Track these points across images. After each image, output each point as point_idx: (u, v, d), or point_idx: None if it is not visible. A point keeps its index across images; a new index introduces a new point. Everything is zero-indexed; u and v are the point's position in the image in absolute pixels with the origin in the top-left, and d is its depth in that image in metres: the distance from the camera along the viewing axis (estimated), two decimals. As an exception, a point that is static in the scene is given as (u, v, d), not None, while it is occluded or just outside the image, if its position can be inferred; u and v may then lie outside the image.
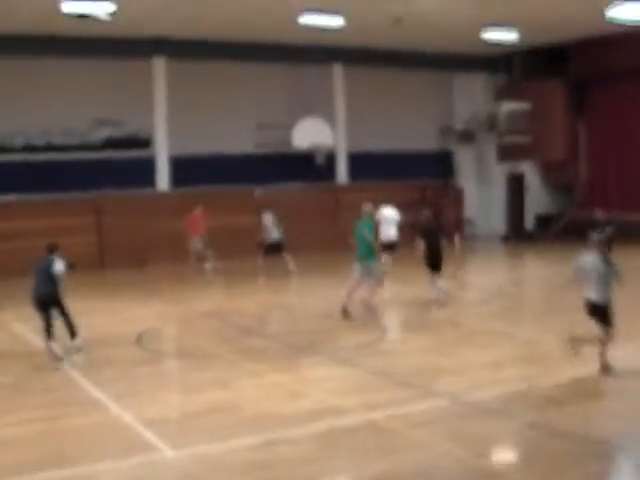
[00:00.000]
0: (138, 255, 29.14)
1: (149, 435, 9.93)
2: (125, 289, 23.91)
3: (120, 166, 30.15)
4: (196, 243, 27.66)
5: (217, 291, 23.91)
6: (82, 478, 8.76)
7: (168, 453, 9.35)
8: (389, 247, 23.01)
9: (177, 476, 8.81)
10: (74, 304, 20.78)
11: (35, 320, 14.98)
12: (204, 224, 27.72)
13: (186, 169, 30.93)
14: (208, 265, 27.24)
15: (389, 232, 23.39)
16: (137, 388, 12.16)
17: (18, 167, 28.66)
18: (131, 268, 28.21)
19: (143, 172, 30.67)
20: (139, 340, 15.74)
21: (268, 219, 26.87)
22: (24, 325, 17.49)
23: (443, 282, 19.19)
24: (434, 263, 19.07)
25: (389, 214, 23.88)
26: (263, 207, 27.86)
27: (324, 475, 8.85)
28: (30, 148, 28.98)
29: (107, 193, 29.60)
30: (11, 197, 28.24)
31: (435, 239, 19.31)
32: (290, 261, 25.79)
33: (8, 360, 14.62)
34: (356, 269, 17.96)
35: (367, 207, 19.13)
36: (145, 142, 30.82)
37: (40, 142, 29.17)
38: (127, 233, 29.24)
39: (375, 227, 20.05)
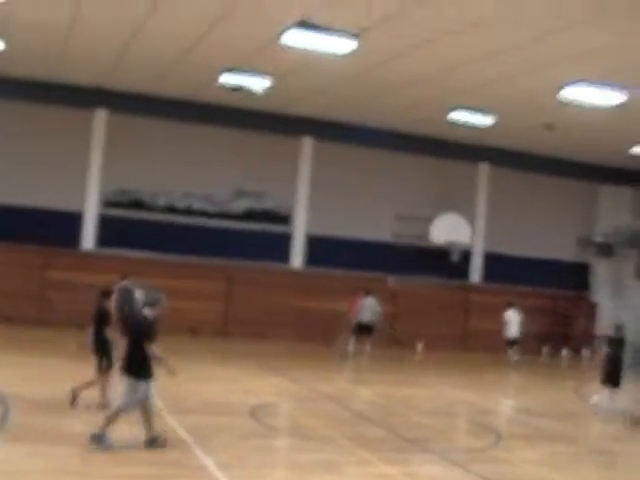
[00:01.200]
0: (262, 328, 29.43)
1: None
2: (245, 360, 24.04)
3: (256, 238, 30.62)
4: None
5: (339, 374, 23.80)
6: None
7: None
8: (513, 343, 28.56)
9: None
10: (195, 369, 21.16)
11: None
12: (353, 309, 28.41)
13: (321, 249, 31.22)
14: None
15: (512, 330, 28.68)
16: (245, 460, 12.08)
17: (157, 226, 29.44)
18: (253, 340, 28.42)
19: (278, 247, 31.08)
20: (253, 412, 15.72)
21: (368, 302, 27.79)
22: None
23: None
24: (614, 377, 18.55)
25: (512, 316, 28.79)
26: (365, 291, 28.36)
27: None
28: (171, 209, 29.75)
29: (240, 263, 30.06)
30: (147, 254, 28.95)
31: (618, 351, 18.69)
32: (371, 344, 27.01)
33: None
34: None
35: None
36: (284, 218, 31.26)
37: (181, 205, 29.93)
38: (254, 305, 29.59)
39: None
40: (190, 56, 23.07)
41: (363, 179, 32.28)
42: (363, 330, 27.63)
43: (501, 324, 29.02)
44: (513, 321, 28.93)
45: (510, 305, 29.21)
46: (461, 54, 20.58)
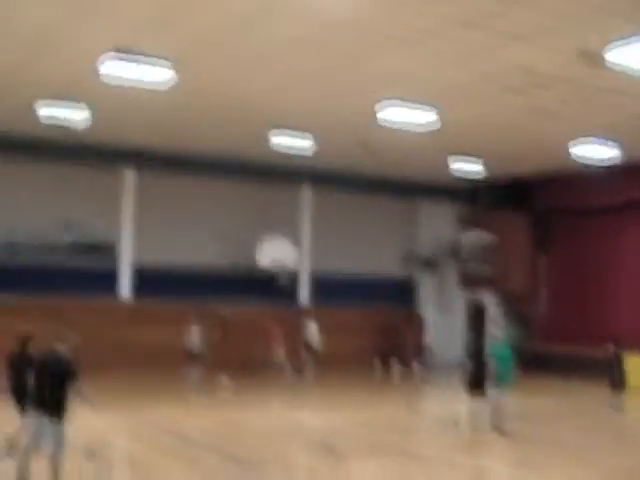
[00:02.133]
0: (94, 363, 28.83)
1: None
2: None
3: (83, 272, 30.15)
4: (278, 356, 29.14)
5: (180, 403, 23.57)
6: None
7: None
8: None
9: None
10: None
11: None
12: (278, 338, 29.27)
13: (148, 279, 30.95)
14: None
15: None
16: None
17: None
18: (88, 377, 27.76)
19: (106, 280, 30.65)
20: (93, 451, 15.43)
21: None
22: None
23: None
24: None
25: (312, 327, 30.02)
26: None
27: None
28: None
29: (68, 299, 29.45)
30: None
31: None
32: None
33: None
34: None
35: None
36: (110, 249, 30.93)
37: (4, 241, 29.30)
38: (85, 341, 28.94)
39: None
40: (6, 84, 22.41)
41: (188, 206, 32.22)
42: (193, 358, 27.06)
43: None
44: (311, 331, 30.10)
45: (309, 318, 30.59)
46: (276, 78, 20.80)
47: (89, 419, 19.20)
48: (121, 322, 29.94)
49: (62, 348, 12.37)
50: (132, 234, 31.26)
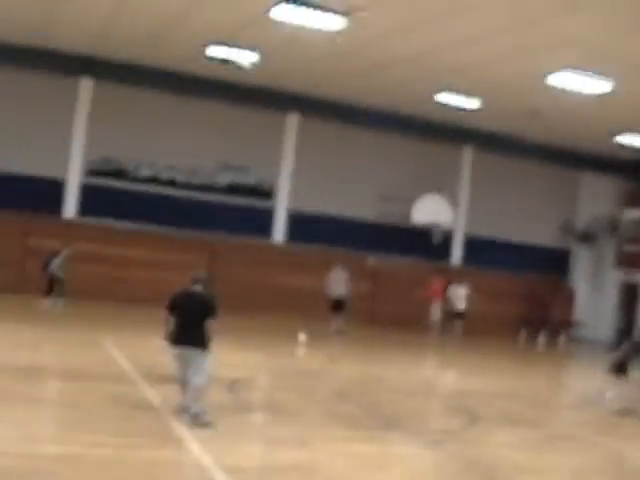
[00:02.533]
0: (243, 303, 29.41)
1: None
2: (224, 334, 23.97)
3: (239, 212, 30.64)
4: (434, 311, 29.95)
5: (317, 351, 23.83)
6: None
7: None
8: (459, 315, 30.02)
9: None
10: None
11: (130, 346, 15.07)
12: (438, 294, 30.06)
13: (304, 225, 31.24)
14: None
15: (458, 304, 29.95)
16: (220, 433, 12.13)
17: (140, 197, 29.42)
18: (233, 314, 28.40)
19: (261, 222, 31.09)
20: (231, 387, 15.77)
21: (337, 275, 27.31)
22: (119, 350, 17.84)
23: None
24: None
25: (456, 291, 30.23)
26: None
27: None
28: (155, 180, 29.77)
29: (222, 237, 30.07)
30: (129, 225, 28.95)
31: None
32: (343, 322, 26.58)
33: (95, 382, 14.83)
34: None
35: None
36: (267, 193, 31.28)
37: (165, 176, 29.92)
38: (235, 279, 29.57)
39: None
40: (178, 27, 22.95)
41: (347, 157, 32.31)
42: (336, 305, 27.30)
43: (446, 299, 30.49)
44: (458, 295, 30.14)
45: (455, 281, 30.74)
46: (450, 36, 20.57)
47: (229, 355, 19.72)
48: (272, 264, 30.37)
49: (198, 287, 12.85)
50: (290, 179, 31.57)
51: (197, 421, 12.15)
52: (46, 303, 24.92)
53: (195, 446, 11.14)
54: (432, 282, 30.40)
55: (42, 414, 12.15)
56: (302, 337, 25.10)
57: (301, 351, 23.35)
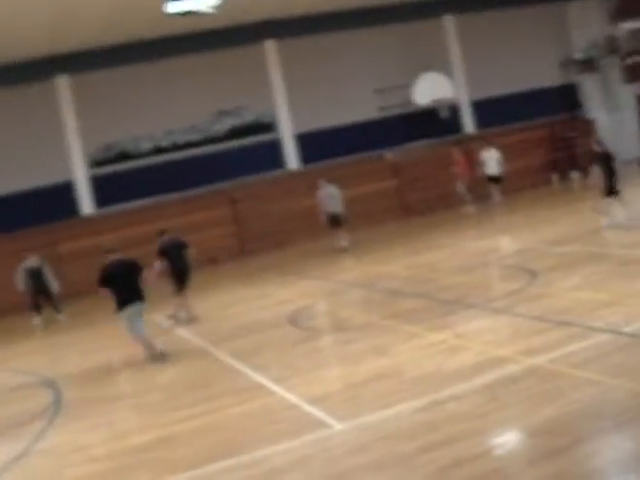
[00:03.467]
0: (276, 238, 29.47)
1: (315, 412, 9.96)
2: (269, 273, 24.15)
3: (247, 154, 30.53)
4: (459, 187, 29.59)
5: (357, 261, 23.87)
6: (254, 464, 8.83)
7: (336, 427, 9.35)
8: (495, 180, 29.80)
9: (348, 449, 8.76)
10: (221, 295, 21.38)
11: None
12: (464, 168, 29.63)
13: (313, 145, 31.09)
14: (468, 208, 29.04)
15: (491, 168, 29.75)
16: (297, 367, 12.24)
17: (149, 170, 29.38)
18: (272, 252, 28.53)
19: (271, 156, 30.97)
20: (292, 320, 15.88)
21: (329, 191, 26.00)
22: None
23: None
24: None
25: (489, 155, 29.94)
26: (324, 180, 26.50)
27: (494, 428, 8.70)
28: (157, 150, 29.70)
29: (239, 182, 30.02)
30: (147, 201, 28.96)
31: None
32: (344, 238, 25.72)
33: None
34: None
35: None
36: (268, 126, 31.11)
37: (166, 143, 29.83)
38: (263, 218, 29.59)
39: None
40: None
41: (334, 65, 31.86)
42: (334, 221, 25.92)
43: (478, 164, 30.16)
44: (490, 159, 29.83)
45: (483, 147, 30.41)
46: None
47: (281, 290, 19.84)
48: (294, 192, 30.27)
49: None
50: (287, 104, 31.29)
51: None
52: (38, 319, 23.10)
53: (277, 387, 11.27)
54: (456, 157, 30.17)
55: (120, 410, 12.31)
56: (343, 242, 25.27)
57: (345, 266, 23.30)
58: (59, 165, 28.65)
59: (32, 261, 23.11)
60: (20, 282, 22.96)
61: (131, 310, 14.33)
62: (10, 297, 25.02)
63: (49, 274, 23.23)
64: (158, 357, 14.18)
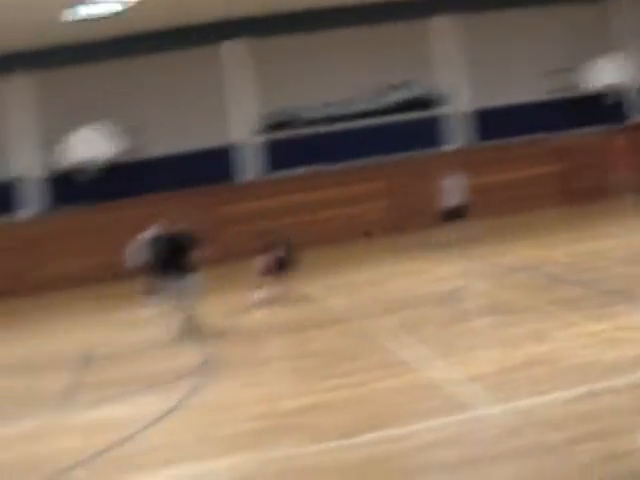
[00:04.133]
0: (431, 217, 29.21)
1: (464, 392, 9.84)
2: (423, 251, 23.98)
3: (412, 128, 30.38)
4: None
5: (517, 243, 23.40)
6: (402, 438, 8.79)
7: (487, 410, 9.23)
8: None
9: (497, 432, 8.62)
10: (374, 269, 21.39)
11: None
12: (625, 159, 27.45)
13: (477, 124, 30.68)
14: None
15: None
16: (450, 347, 12.13)
17: (313, 140, 29.59)
18: (425, 230, 28.27)
19: (433, 133, 30.73)
20: (448, 299, 15.75)
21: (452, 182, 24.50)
22: (328, 290, 18.14)
23: None
24: None
25: None
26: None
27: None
28: (323, 120, 29.90)
29: (397, 157, 29.90)
30: (309, 170, 29.19)
31: None
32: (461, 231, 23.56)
33: (315, 330, 15.13)
34: None
35: None
36: (434, 102, 30.90)
37: (332, 113, 30.00)
38: (419, 195, 29.34)
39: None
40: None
41: (503, 44, 31.21)
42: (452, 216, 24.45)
43: None
44: None
45: None
46: None
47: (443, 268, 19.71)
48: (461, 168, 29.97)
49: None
50: (453, 82, 30.94)
51: None
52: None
53: (428, 365, 11.21)
54: (618, 146, 28.95)
55: (271, 373, 12.47)
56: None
57: (499, 250, 22.84)
58: (226, 129, 29.18)
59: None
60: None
61: None
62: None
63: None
64: None
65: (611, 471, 7.28)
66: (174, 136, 28.74)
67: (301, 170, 29.27)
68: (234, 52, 29.36)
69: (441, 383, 10.42)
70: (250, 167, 29.61)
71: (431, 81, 30.85)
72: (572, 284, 15.78)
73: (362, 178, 29.35)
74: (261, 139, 29.68)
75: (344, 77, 29.94)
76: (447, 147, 30.83)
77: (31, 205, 28.55)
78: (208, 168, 28.77)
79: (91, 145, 27.36)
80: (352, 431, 9.12)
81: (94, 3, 23.50)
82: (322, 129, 29.96)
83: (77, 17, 24.23)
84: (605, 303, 13.64)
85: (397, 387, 10.54)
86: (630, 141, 28.99)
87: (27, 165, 28.36)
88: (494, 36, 30.98)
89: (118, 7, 24.12)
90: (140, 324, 17.60)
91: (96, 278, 26.91)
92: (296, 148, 29.67)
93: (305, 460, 8.60)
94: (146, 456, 9.38)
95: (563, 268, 17.95)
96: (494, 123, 30.68)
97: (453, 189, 24.79)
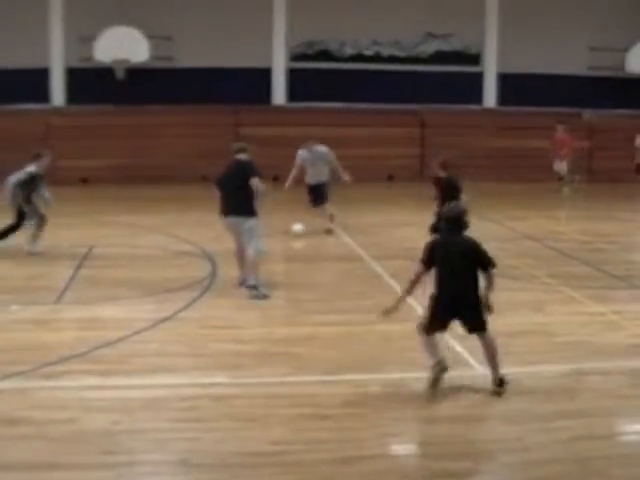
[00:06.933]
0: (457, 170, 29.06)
1: (461, 351, 9.87)
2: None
3: (447, 80, 30.17)
4: (557, 165, 27.37)
5: (535, 212, 23.30)
6: (390, 384, 8.96)
7: (478, 370, 9.29)
8: None
9: (484, 394, 8.72)
10: (393, 214, 21.39)
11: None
12: (566, 145, 27.12)
13: (514, 87, 30.42)
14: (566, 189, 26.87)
15: None
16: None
17: (346, 76, 29.47)
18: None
19: (470, 88, 30.51)
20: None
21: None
22: (347, 231, 18.15)
23: None
24: None
25: None
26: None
27: (633, 413, 8.49)
28: (360, 57, 29.77)
29: (431, 107, 29.75)
30: (337, 105, 29.09)
31: None
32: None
33: (326, 262, 15.20)
34: None
35: None
36: (474, 57, 30.63)
37: (369, 52, 29.85)
38: (448, 147, 29.19)
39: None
40: None
41: (553, 12, 30.80)
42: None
43: None
44: None
45: None
46: None
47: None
48: (484, 129, 29.80)
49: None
50: (497, 41, 30.61)
51: (254, 294, 12.34)
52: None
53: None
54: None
55: (273, 299, 12.54)
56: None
57: (517, 215, 22.76)
58: (260, 51, 29.04)
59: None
60: None
61: (227, 223, 12.94)
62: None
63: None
64: (251, 292, 12.55)
65: (585, 451, 7.40)
66: (204, 49, 28.53)
67: (333, 104, 29.15)
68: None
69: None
70: (280, 92, 29.52)
71: (472, 38, 30.51)
72: (578, 262, 15.77)
73: (393, 122, 29.26)
74: (295, 66, 29.53)
75: (389, 20, 29.58)
76: (480, 106, 30.61)
77: (56, 97, 28.56)
78: (234, 87, 28.69)
79: (121, 46, 27.10)
80: (335, 369, 9.27)
81: None
82: (359, 66, 29.78)
83: None
84: (610, 286, 13.68)
85: (394, 333, 10.47)
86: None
87: (58, 57, 28.25)
88: (545, 3, 30.52)
89: None
90: (150, 230, 17.73)
91: (112, 179, 27.06)
92: (331, 81, 29.53)
93: (281, 389, 8.78)
94: (133, 359, 9.61)
95: (573, 244, 17.89)
96: (527, 89, 30.42)
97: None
